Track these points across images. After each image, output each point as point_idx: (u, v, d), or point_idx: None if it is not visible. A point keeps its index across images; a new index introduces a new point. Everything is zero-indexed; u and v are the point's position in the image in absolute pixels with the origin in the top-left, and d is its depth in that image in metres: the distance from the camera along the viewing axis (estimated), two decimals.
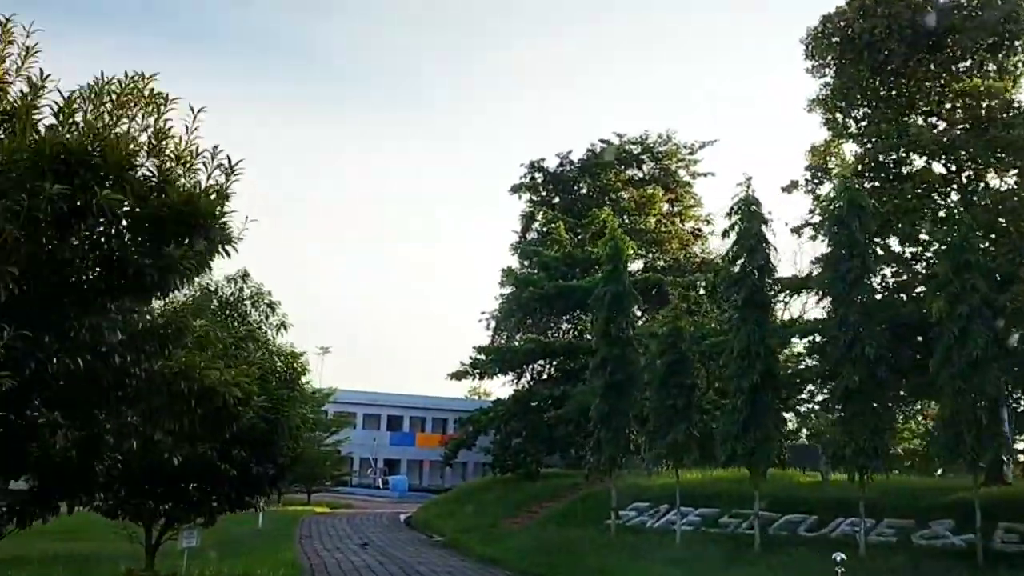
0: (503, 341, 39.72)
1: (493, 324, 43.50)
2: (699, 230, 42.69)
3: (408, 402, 76.97)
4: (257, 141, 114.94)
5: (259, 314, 13.73)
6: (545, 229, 37.87)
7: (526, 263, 37.04)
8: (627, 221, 37.39)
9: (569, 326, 40.02)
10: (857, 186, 18.56)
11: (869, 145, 20.90)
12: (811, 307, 28.97)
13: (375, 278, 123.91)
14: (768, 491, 20.52)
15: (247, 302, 13.67)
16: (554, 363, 34.28)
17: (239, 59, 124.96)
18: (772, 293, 20.94)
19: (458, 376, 34.07)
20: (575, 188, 40.77)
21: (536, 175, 41.68)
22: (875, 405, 17.61)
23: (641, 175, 42.71)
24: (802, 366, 23.64)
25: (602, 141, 42.28)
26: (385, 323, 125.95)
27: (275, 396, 13.96)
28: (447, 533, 26.01)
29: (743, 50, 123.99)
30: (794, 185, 22.35)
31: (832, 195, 19.08)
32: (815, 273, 21.65)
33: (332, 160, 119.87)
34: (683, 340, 20.89)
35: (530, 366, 35.43)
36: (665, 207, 42.13)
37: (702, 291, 35.22)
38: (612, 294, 22.04)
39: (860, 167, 20.15)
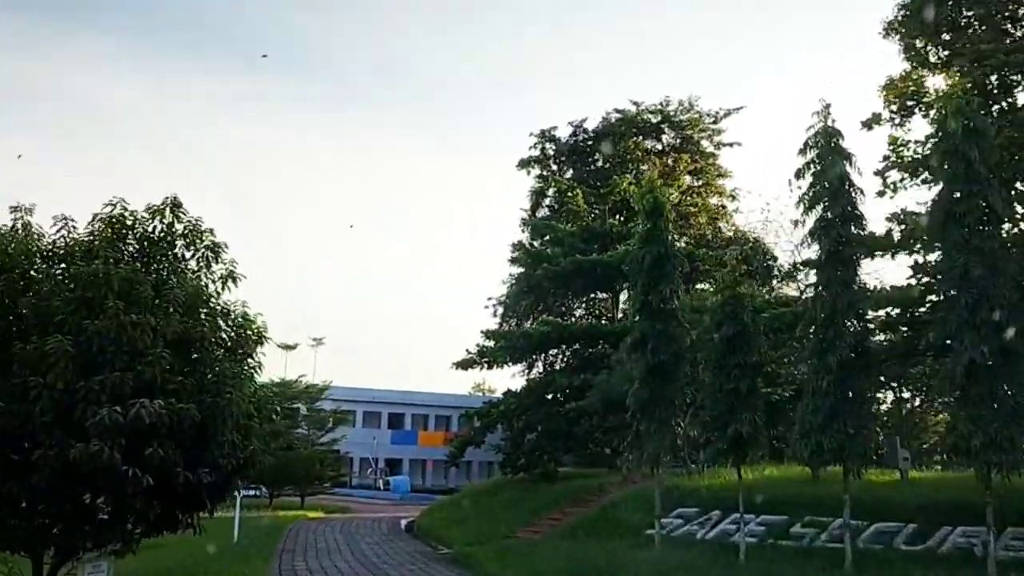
0: (513, 327, 35.51)
1: (500, 311, 39.31)
2: (723, 207, 38.53)
3: (410, 399, 72.79)
4: (250, 136, 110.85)
5: (197, 261, 9.45)
6: (559, 202, 33.59)
7: (538, 242, 32.84)
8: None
9: (584, 311, 35.85)
10: (972, 108, 14.37)
11: (966, 68, 16.74)
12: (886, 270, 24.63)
13: (375, 275, 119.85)
14: (839, 494, 16.55)
15: (179, 241, 9.36)
16: (572, 349, 30.12)
17: (240, 57, 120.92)
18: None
19: (464, 365, 29.93)
20: (590, 159, 36.56)
21: (547, 146, 37.47)
22: (1005, 386, 13.48)
23: (660, 147, 38.59)
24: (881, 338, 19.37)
25: (617, 111, 38.16)
26: (385, 320, 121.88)
27: (214, 372, 9.92)
28: (455, 544, 21.88)
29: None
30: (876, 119, 18.16)
31: (937, 123, 14.92)
32: (902, 228, 17.56)
33: (326, 155, 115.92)
34: (744, 309, 16.74)
35: (544, 354, 31.31)
36: (688, 180, 37.93)
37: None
38: (653, 257, 17.87)
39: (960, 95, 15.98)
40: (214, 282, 10.11)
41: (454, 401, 77.21)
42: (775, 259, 33.06)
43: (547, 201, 37.88)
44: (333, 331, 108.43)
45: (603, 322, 31.24)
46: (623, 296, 33.11)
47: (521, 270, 34.92)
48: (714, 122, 38.20)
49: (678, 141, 38.25)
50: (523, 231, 35.28)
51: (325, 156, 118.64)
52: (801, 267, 19.61)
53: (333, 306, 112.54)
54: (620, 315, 31.82)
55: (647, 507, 19.71)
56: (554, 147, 37.57)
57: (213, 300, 10.01)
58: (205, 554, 18.89)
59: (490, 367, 30.50)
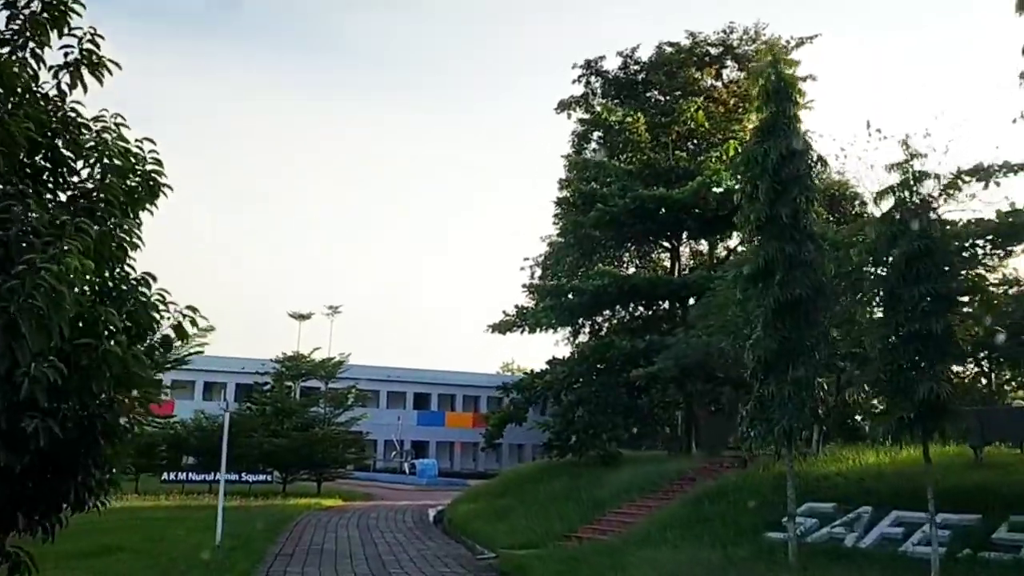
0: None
1: (539, 272, 33.92)
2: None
3: (436, 378, 67.77)
4: (263, 122, 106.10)
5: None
6: (612, 139, 27.93)
7: (584, 186, 27.33)
8: (716, 127, 27.72)
9: (640, 267, 30.26)
10: None
11: None
12: None
13: (400, 253, 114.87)
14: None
15: None
16: (630, 308, 24.75)
17: (258, 46, 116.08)
18: None
19: (501, 328, 24.74)
20: (644, 94, 30.92)
21: (592, 80, 31.90)
22: None
23: (721, 84, 32.91)
24: None
25: (669, 44, 32.50)
26: (411, 298, 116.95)
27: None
28: (499, 546, 16.70)
29: None
30: None
31: None
32: None
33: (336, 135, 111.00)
34: (927, 216, 11.24)
35: (598, 314, 26.00)
36: (754, 118, 32.16)
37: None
38: (780, 152, 12.46)
39: None
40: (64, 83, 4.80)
41: (483, 380, 72.13)
42: (864, 204, 27.41)
43: (591, 146, 32.33)
44: (357, 308, 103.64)
45: (668, 274, 25.75)
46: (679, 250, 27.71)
47: (560, 231, 29.69)
48: (785, 53, 32.43)
49: (743, 77, 32.49)
50: (563, 189, 29.74)
51: (338, 132, 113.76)
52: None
53: (356, 283, 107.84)
54: (684, 270, 26.36)
55: (754, 500, 14.41)
56: (600, 82, 31.97)
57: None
58: (169, 561, 13.87)
59: (532, 330, 25.25)
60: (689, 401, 23.89)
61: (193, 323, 5.24)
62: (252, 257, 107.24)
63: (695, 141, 26.10)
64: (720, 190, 23.00)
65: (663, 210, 22.86)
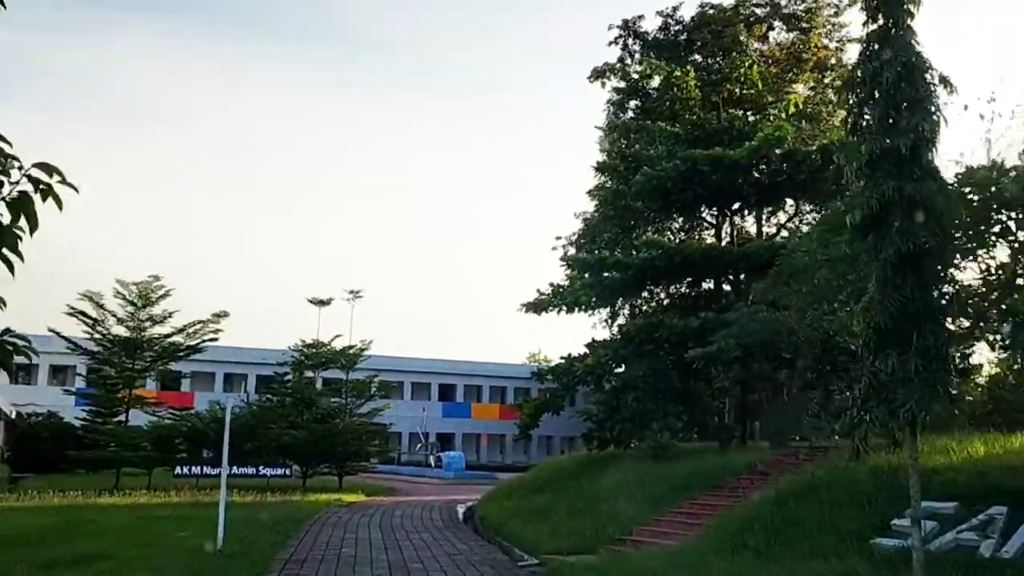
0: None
1: (572, 252, 31.52)
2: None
3: (461, 369, 65.65)
4: (284, 108, 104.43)
5: None
6: (654, 102, 25.34)
7: (627, 149, 24.76)
8: (768, 89, 25.10)
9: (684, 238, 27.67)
10: None
11: None
12: None
13: (424, 242, 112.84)
14: None
15: None
16: (686, 283, 22.26)
17: (280, 44, 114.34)
18: None
19: (535, 307, 22.38)
20: (687, 56, 28.25)
21: (630, 43, 29.34)
22: None
23: (767, 47, 30.24)
24: None
25: (712, 6, 29.85)
26: (436, 288, 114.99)
27: None
28: (542, 549, 14.40)
29: None
30: None
31: None
32: None
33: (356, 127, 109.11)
34: None
35: (641, 292, 23.56)
36: (802, 88, 29.49)
37: None
38: (896, 71, 9.94)
39: None
40: None
41: (509, 371, 69.87)
42: None
43: (628, 116, 29.77)
44: (380, 299, 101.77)
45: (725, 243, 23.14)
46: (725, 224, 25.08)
47: (597, 203, 27.24)
48: (836, 14, 29.74)
49: (792, 41, 29.79)
50: (602, 154, 27.25)
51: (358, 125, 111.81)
52: None
53: (379, 273, 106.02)
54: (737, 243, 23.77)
55: (845, 499, 11.97)
56: (639, 44, 29.39)
57: None
58: (153, 572, 11.70)
59: (569, 309, 22.83)
60: (744, 386, 21.39)
61: (49, 196, 2.92)
62: (275, 248, 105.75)
63: (748, 104, 23.57)
64: (781, 151, 20.47)
65: (716, 174, 20.33)
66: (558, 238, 31.96)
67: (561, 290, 22.22)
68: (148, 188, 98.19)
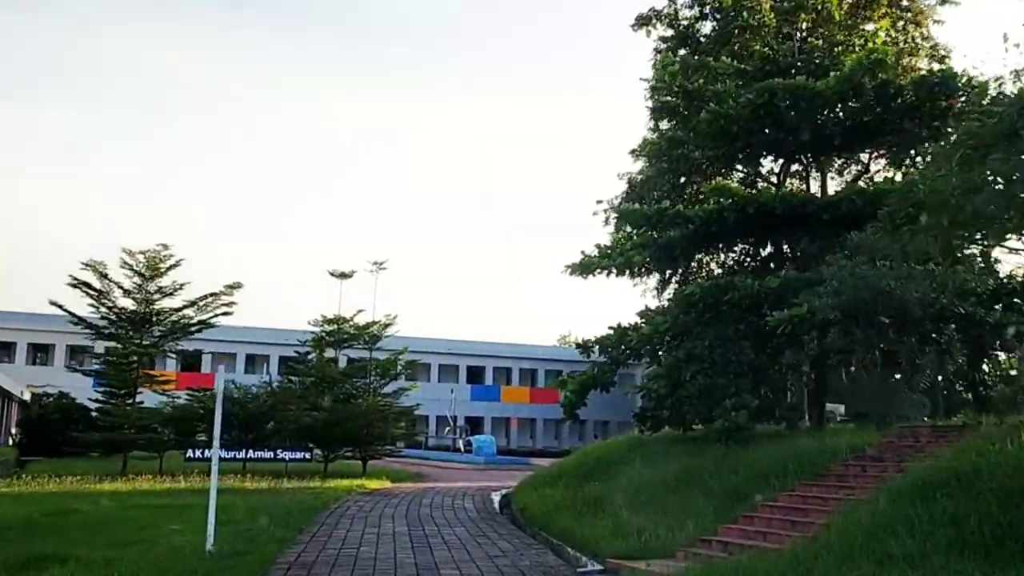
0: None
1: (615, 218, 28.51)
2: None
3: (491, 350, 62.95)
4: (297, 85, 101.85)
5: None
6: (714, 42, 22.04)
7: (689, 84, 21.50)
8: (841, 25, 21.79)
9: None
10: None
11: None
12: None
13: (453, 223, 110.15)
14: None
15: None
16: (756, 239, 19.17)
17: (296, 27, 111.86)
18: None
19: (582, 269, 19.45)
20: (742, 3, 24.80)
21: None
22: None
23: None
24: None
25: None
26: (464, 268, 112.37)
27: None
28: (604, 551, 11.57)
29: None
30: None
31: None
32: None
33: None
34: None
35: (702, 251, 20.54)
36: (883, 36, 25.95)
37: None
38: None
39: None
40: None
41: (540, 353, 67.08)
42: None
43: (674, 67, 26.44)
44: (406, 278, 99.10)
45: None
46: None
47: (648, 155, 24.13)
48: None
49: None
50: (653, 97, 24.00)
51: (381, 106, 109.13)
52: None
53: (406, 252, 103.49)
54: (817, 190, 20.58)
55: (1016, 491, 8.98)
56: None
57: None
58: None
59: (619, 272, 19.89)
60: (819, 360, 18.38)
61: None
62: (301, 227, 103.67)
63: (824, 39, 20.37)
64: (874, 83, 17.28)
65: (794, 111, 17.20)
66: (599, 202, 28.96)
67: (610, 251, 19.23)
68: (172, 175, 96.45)
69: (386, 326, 31.56)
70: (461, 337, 62.14)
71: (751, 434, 15.83)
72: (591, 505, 15.26)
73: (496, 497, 22.79)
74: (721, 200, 16.90)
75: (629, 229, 20.05)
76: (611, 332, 20.28)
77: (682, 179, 23.15)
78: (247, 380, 34.93)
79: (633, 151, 28.36)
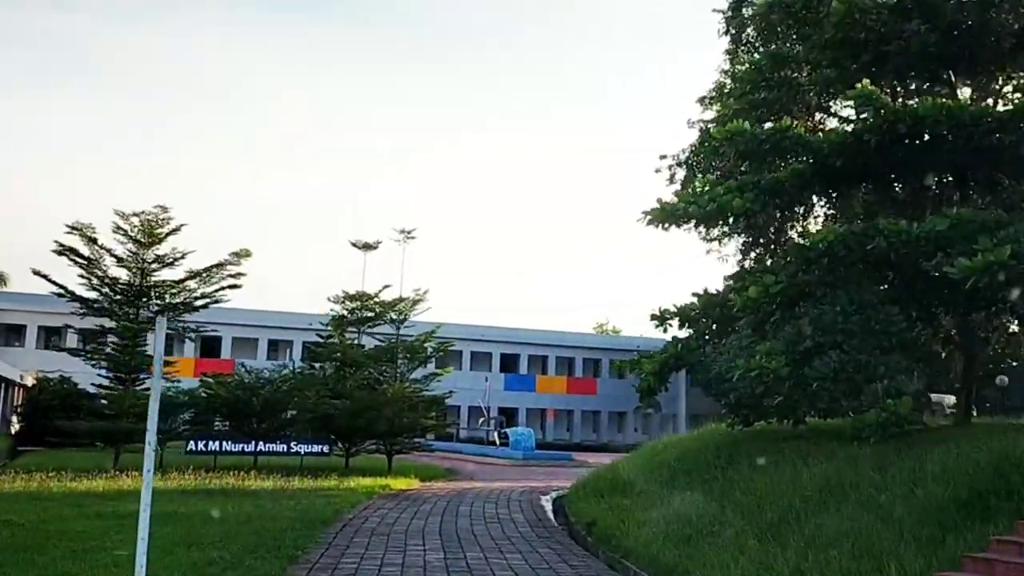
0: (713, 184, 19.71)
1: (681, 174, 24.23)
2: None
3: (526, 337, 58.60)
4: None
5: None
6: None
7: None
8: None
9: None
10: None
11: None
12: None
13: (490, 207, 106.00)
14: None
15: None
16: (909, 171, 14.50)
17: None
18: None
19: (663, 217, 14.97)
20: None
21: None
22: None
23: None
24: None
25: None
26: (497, 251, 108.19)
27: None
28: None
29: None
30: None
31: None
32: None
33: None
34: None
35: (820, 192, 15.99)
36: None
37: None
38: None
39: None
40: None
41: (578, 340, 62.68)
42: None
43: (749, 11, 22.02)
44: (437, 260, 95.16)
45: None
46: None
47: (738, 79, 19.65)
48: None
49: None
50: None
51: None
52: None
53: (438, 234, 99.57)
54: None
55: None
56: None
57: None
58: None
59: (707, 222, 15.46)
60: (969, 330, 13.83)
61: None
62: (328, 210, 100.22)
63: None
64: None
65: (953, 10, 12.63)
66: (663, 157, 24.54)
67: (696, 198, 14.76)
68: (201, 162, 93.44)
69: (415, 302, 27.40)
70: (494, 323, 57.92)
71: (913, 427, 11.35)
72: (694, 525, 10.90)
73: (546, 502, 18.56)
74: (864, 110, 12.31)
75: (698, 186, 15.62)
76: (695, 300, 15.87)
77: (793, 98, 18.45)
78: (269, 367, 31.00)
79: (702, 99, 24.02)
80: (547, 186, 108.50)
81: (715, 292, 15.86)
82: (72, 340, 48.27)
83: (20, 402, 36.92)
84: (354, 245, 28.65)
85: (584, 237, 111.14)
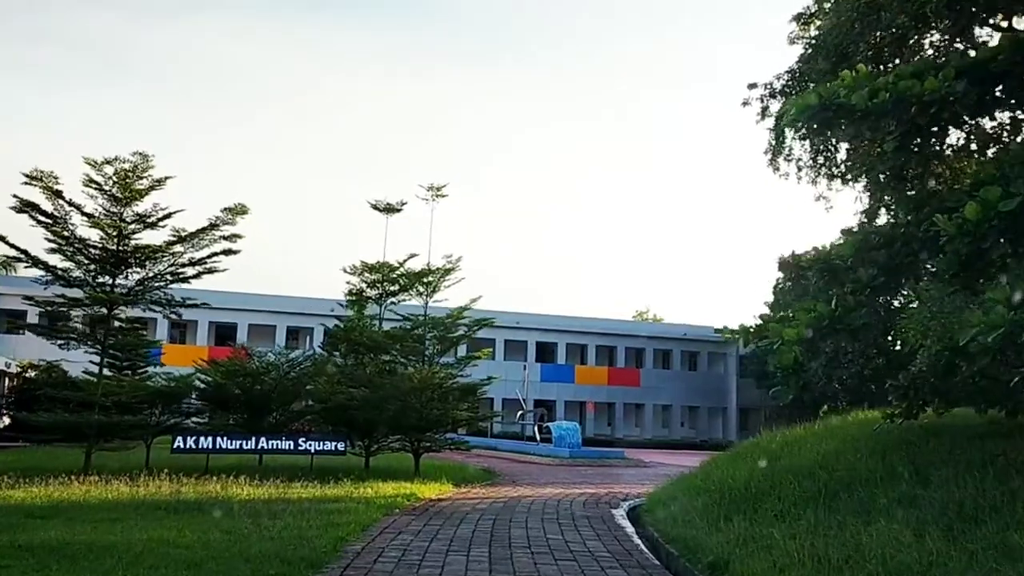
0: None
1: (775, 105, 19.43)
2: None
3: (563, 324, 53.87)
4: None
5: None
6: None
7: None
8: None
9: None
10: None
11: None
12: None
13: (527, 192, 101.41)
14: None
15: None
16: None
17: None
18: None
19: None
20: None
21: None
22: None
23: None
24: None
25: None
26: (534, 235, 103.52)
27: None
28: None
29: None
30: None
31: None
32: None
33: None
34: None
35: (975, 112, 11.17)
36: None
37: None
38: None
39: None
40: None
41: (619, 328, 57.85)
42: None
43: None
44: (470, 249, 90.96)
45: None
46: None
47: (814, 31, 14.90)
48: None
49: None
50: None
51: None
52: None
53: (471, 220, 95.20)
54: None
55: None
56: None
57: None
58: None
59: (877, 119, 10.50)
60: None
61: None
62: (350, 199, 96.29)
63: None
64: None
65: None
66: (753, 86, 19.64)
67: (856, 79, 9.90)
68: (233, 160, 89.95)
69: (447, 271, 22.77)
70: (529, 310, 53.29)
71: None
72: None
73: (622, 520, 13.87)
74: None
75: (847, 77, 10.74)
76: (842, 241, 11.09)
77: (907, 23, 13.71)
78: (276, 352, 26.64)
79: (799, 15, 19.27)
80: (584, 167, 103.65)
81: (881, 226, 11.04)
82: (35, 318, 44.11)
83: (4, 393, 33.03)
84: (375, 208, 24.08)
85: (623, 227, 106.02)
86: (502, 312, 49.75)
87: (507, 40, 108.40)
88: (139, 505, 12.72)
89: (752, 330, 11.42)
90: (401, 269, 23.16)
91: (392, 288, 23.40)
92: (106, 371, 21.70)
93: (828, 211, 22.03)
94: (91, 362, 22.15)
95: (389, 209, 24.15)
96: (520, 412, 43.23)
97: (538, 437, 35.43)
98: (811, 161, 17.84)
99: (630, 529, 12.64)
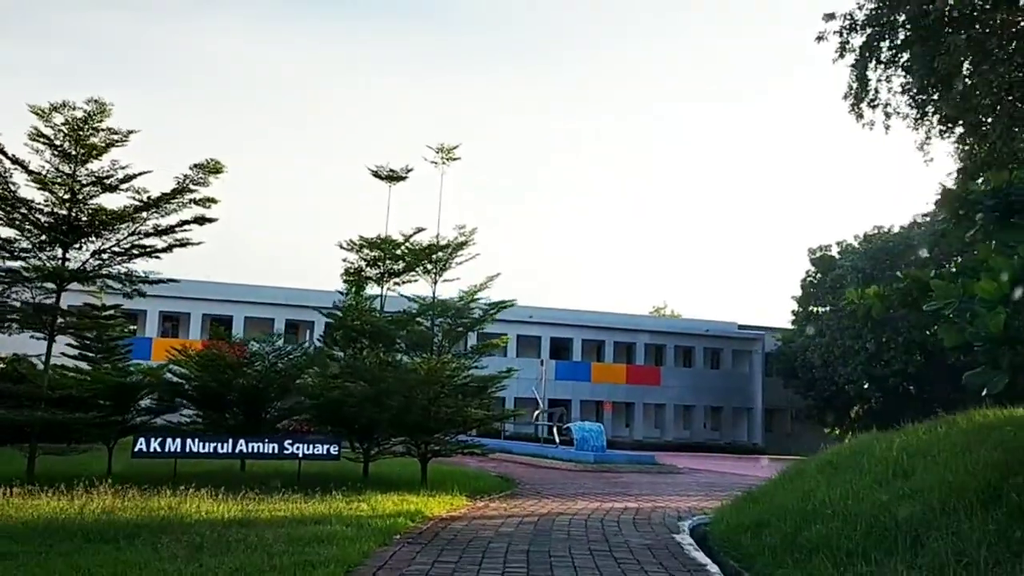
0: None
1: (859, 40, 15.92)
2: None
3: (579, 319, 50.45)
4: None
5: None
6: None
7: None
8: None
9: None
10: None
11: None
12: None
13: (542, 182, 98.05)
14: None
15: None
16: None
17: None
18: None
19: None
20: None
21: None
22: None
23: None
24: None
25: None
26: (548, 228, 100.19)
27: None
28: None
29: None
30: None
31: None
32: None
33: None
34: None
35: None
36: None
37: None
38: None
39: None
40: None
41: (638, 323, 54.37)
42: None
43: None
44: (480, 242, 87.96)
45: None
46: None
47: None
48: None
49: None
50: None
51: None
52: None
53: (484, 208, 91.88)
54: None
55: None
56: None
57: None
58: None
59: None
60: None
61: None
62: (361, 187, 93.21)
63: None
64: None
65: None
66: (830, 16, 16.15)
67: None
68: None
69: (460, 246, 19.35)
70: (543, 304, 49.88)
71: None
72: None
73: (691, 548, 10.46)
74: None
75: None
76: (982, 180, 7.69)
77: None
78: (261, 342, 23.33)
79: None
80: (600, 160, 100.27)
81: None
82: None
83: None
84: (376, 175, 20.64)
85: (637, 221, 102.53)
86: (514, 306, 46.49)
87: (545, 32, 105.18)
88: (45, 528, 9.37)
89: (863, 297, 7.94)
90: (406, 245, 19.77)
91: (395, 267, 20.03)
92: (83, 365, 18.72)
93: (927, 164, 18.48)
94: (63, 354, 19.00)
95: (392, 177, 20.71)
96: (536, 412, 39.79)
97: (557, 439, 32.01)
98: (911, 100, 14.43)
99: (713, 568, 9.22)
